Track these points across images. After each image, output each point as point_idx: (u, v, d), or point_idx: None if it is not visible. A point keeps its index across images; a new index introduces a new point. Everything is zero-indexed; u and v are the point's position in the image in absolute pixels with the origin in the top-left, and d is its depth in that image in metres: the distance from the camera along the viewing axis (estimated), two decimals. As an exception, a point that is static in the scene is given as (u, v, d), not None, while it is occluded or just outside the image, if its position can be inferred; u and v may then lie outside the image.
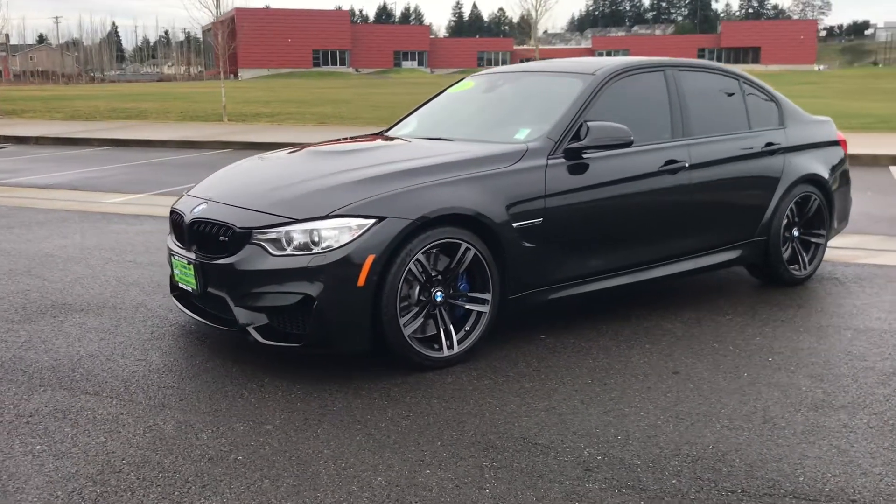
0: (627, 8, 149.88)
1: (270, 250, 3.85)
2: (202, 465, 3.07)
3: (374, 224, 3.81)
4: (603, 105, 4.71)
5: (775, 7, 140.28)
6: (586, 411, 3.53)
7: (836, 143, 5.98)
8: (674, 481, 2.92)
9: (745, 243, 5.34)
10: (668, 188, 4.84)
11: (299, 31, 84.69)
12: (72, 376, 3.97)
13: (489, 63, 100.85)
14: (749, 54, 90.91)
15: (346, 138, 5.67)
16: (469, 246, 4.03)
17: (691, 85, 5.21)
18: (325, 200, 3.92)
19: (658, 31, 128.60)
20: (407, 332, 3.91)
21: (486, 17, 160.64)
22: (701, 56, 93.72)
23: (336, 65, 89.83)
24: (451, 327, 4.07)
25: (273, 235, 3.86)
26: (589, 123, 4.46)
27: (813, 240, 5.72)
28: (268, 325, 3.94)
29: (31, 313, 5.03)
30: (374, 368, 4.01)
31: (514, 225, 4.18)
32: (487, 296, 4.15)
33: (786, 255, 5.52)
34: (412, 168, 4.18)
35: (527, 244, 4.23)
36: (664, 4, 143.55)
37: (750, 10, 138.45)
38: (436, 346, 4.02)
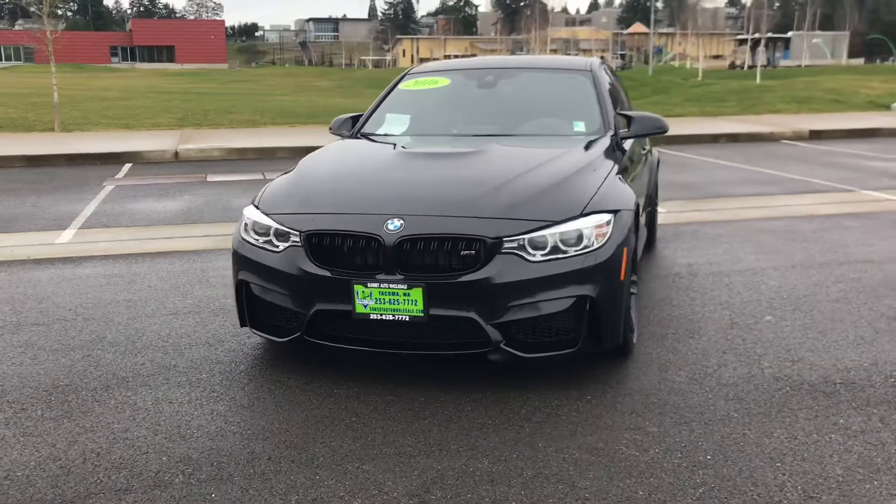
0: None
1: (526, 258, 3.69)
2: (633, 481, 3.08)
3: (614, 218, 3.91)
4: None
5: (166, 6, 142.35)
6: (788, 354, 4.26)
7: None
8: (926, 386, 3.92)
9: (649, 213, 6.41)
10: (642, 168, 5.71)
11: None
12: (321, 458, 3.25)
13: None
14: (164, 53, 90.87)
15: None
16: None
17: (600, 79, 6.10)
18: (568, 199, 3.90)
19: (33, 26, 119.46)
20: None
21: None
22: (114, 54, 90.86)
23: None
24: None
25: (522, 241, 3.70)
26: (630, 114, 5.10)
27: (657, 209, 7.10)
28: (515, 338, 3.75)
29: (76, 399, 3.68)
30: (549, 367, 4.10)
31: None
32: (636, 278, 4.48)
33: (650, 222, 6.76)
34: (583, 165, 4.30)
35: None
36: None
37: (141, 9, 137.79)
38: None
